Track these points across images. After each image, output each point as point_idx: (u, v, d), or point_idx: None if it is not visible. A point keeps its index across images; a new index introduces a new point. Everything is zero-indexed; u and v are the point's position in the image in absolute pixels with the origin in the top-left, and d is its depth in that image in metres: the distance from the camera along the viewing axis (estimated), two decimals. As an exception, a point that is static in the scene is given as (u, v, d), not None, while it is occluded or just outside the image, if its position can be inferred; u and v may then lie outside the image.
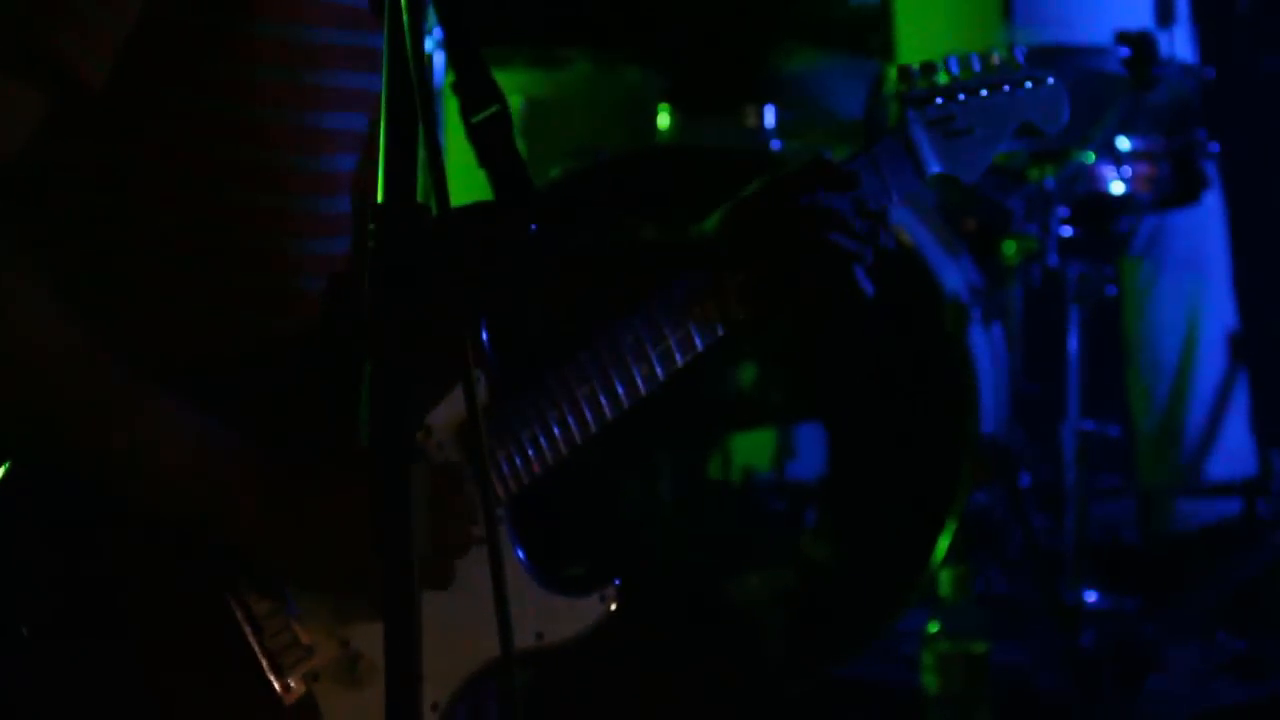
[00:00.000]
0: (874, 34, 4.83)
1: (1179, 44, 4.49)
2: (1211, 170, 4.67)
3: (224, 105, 2.03)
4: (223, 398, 2.06)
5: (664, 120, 4.61)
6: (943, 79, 2.41)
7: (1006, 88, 2.43)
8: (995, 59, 2.45)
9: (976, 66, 2.43)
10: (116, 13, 1.95)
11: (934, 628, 4.10)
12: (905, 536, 4.32)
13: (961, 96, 2.41)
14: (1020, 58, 2.47)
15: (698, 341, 2.27)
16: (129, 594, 2.04)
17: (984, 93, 2.42)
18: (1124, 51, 4.35)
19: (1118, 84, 4.35)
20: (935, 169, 2.39)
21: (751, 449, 4.56)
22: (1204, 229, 4.91)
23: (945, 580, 4.08)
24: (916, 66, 2.41)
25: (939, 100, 2.39)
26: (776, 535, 4.52)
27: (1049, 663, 4.40)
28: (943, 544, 4.23)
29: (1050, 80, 2.46)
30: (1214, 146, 4.65)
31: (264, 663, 2.06)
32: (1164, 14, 4.47)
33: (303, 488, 2.05)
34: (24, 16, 1.92)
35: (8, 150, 1.96)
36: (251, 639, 2.06)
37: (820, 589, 4.41)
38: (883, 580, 4.31)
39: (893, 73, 2.42)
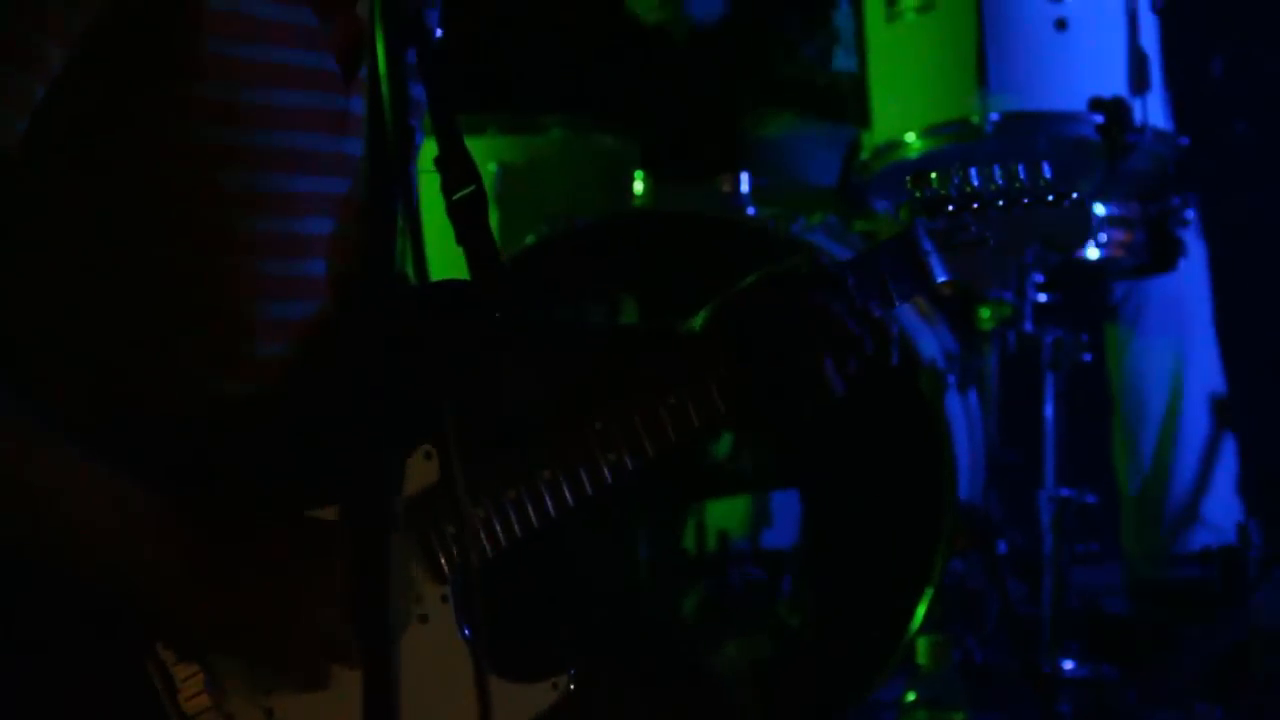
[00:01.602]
0: (850, 101, 4.84)
1: (1153, 110, 4.50)
2: (1187, 236, 4.68)
3: (177, 164, 2.01)
4: (156, 457, 2.03)
5: (639, 187, 4.60)
6: (959, 188, 2.37)
7: (1026, 201, 2.40)
8: (1019, 170, 2.40)
9: (998, 177, 2.39)
10: (35, 76, 1.93)
11: (911, 697, 4.07)
12: (882, 604, 4.29)
13: (976, 206, 2.37)
14: (1047, 171, 2.42)
15: (671, 434, 2.24)
16: (46, 652, 2.00)
17: (1000, 204, 2.38)
18: (1098, 118, 4.36)
19: (1092, 150, 4.35)
20: (943, 277, 2.35)
21: (727, 516, 4.54)
22: (1185, 294, 4.91)
23: (922, 649, 4.05)
24: (933, 173, 2.37)
25: (950, 209, 2.36)
26: (753, 603, 4.49)
27: (1027, 732, 4.38)
28: (920, 612, 4.20)
29: (1074, 196, 2.43)
30: (1189, 213, 4.65)
31: None
32: (1138, 81, 4.48)
33: (229, 555, 2.02)
34: None
35: None
36: (168, 705, 2.03)
37: (797, 657, 4.38)
38: (860, 649, 4.28)
39: (907, 180, 2.38)
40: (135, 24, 1.96)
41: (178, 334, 2.06)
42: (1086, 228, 2.44)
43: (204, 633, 2.03)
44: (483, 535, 2.16)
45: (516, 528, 2.17)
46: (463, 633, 2.15)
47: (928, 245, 2.34)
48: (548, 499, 2.17)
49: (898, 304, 2.31)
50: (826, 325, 2.24)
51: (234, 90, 2.01)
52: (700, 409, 2.24)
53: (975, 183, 2.37)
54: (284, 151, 2.06)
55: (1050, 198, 2.41)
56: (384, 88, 1.68)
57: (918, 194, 2.37)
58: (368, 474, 1.64)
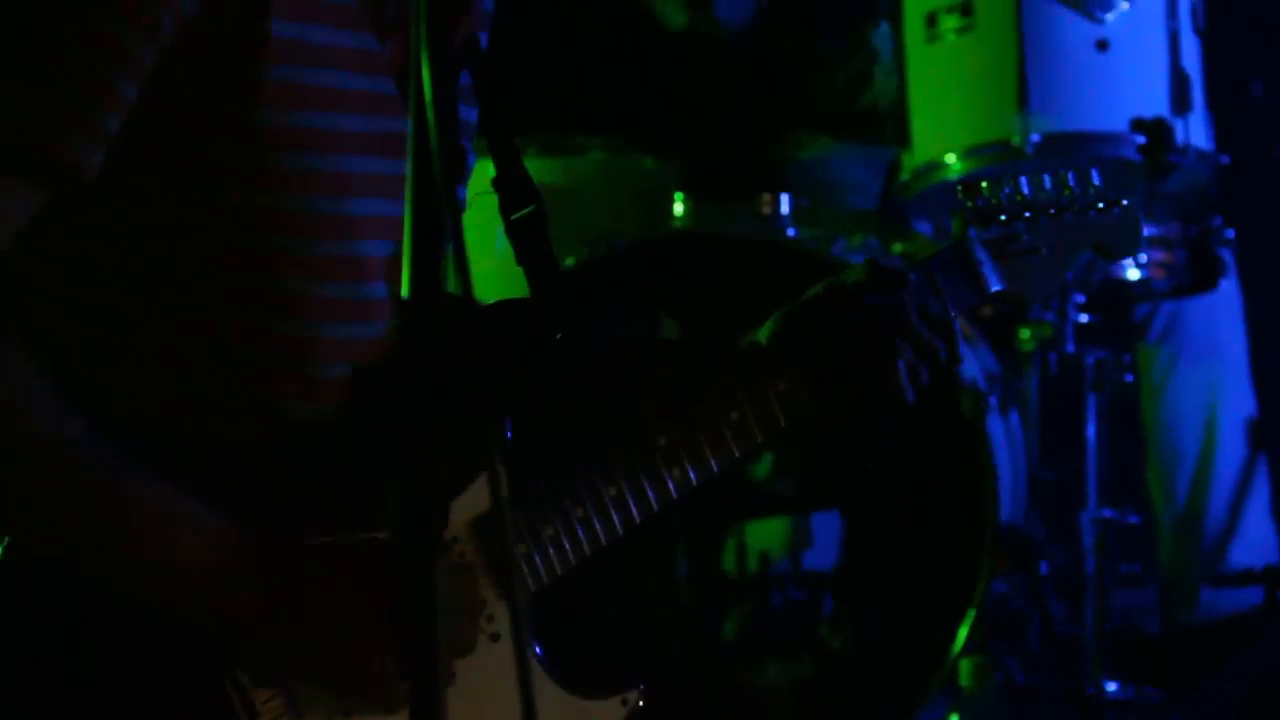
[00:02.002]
0: (889, 123, 4.84)
1: (1194, 131, 4.49)
2: (1228, 257, 4.67)
3: (239, 190, 2.02)
4: (231, 484, 2.05)
5: (679, 208, 4.61)
6: (1010, 197, 2.37)
7: (1077, 208, 2.39)
8: (1068, 178, 2.40)
9: (1048, 185, 2.39)
10: (110, 104, 1.95)
11: (954, 718, 4.06)
12: (924, 626, 4.28)
13: (1027, 215, 2.37)
14: (1096, 178, 2.42)
15: (735, 449, 2.24)
16: (125, 683, 2.01)
17: (1051, 212, 2.38)
18: (1139, 139, 4.36)
19: (1133, 171, 4.35)
20: (996, 287, 2.35)
21: (768, 538, 4.54)
22: (1222, 316, 4.89)
23: (965, 670, 4.05)
24: (984, 183, 2.36)
25: (1003, 218, 2.36)
26: (794, 625, 4.48)
27: (1070, 754, 4.36)
28: (962, 634, 4.20)
29: (1124, 203, 2.42)
30: (1230, 233, 4.64)
31: None
32: (1179, 101, 4.47)
33: (304, 582, 2.02)
34: (19, 114, 1.93)
35: (2, 242, 1.97)
36: None
37: (839, 679, 4.37)
38: (902, 670, 4.28)
39: (958, 189, 2.36)
40: (203, 54, 1.97)
41: (241, 358, 2.07)
42: (1137, 235, 2.42)
43: (281, 659, 2.04)
44: (553, 553, 2.16)
45: (586, 545, 2.17)
46: (535, 650, 2.15)
47: (981, 255, 2.34)
48: (615, 515, 2.18)
49: (953, 314, 2.31)
50: (899, 329, 2.24)
51: (296, 116, 2.02)
52: (763, 423, 2.24)
53: (1026, 191, 2.37)
54: (345, 175, 2.07)
55: (1100, 205, 2.40)
56: (429, 112, 1.69)
57: (970, 204, 2.36)
58: (413, 499, 1.65)
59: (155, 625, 2.01)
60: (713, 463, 2.22)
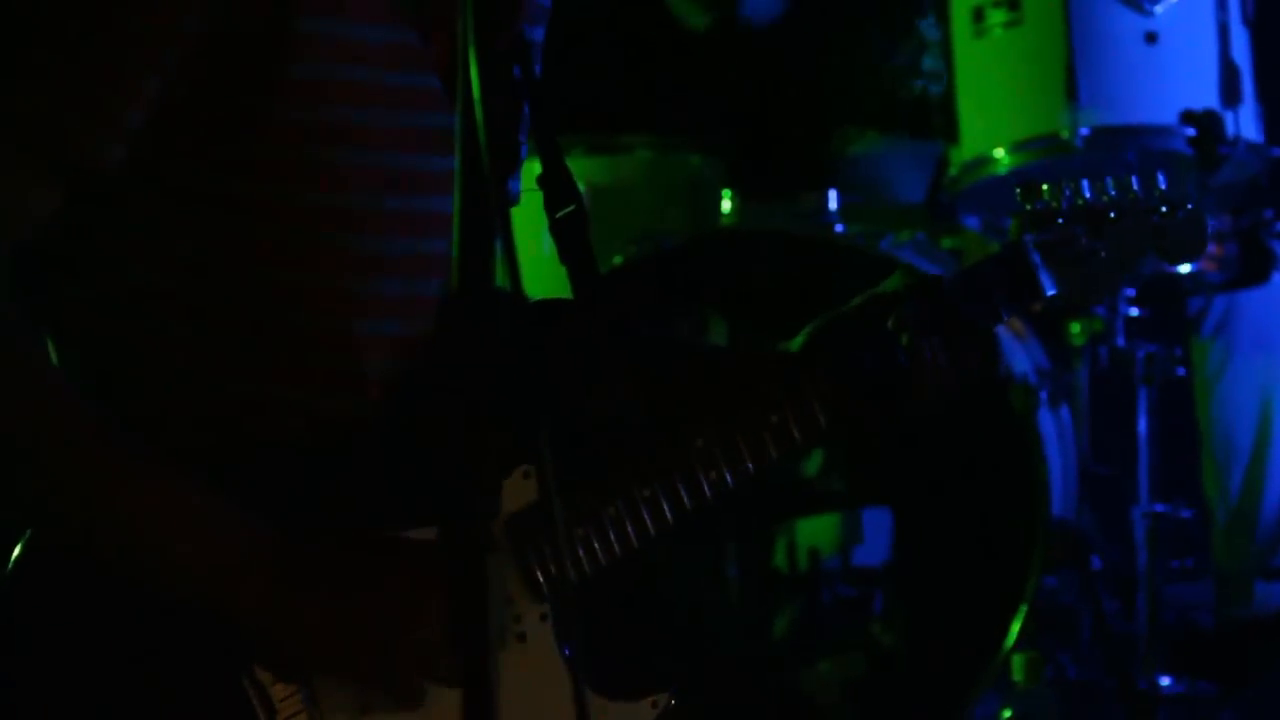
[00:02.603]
0: (937, 117, 4.83)
1: (1245, 123, 4.47)
2: (1280, 249, 4.65)
3: (277, 186, 2.03)
4: (265, 481, 2.06)
5: (726, 205, 4.61)
6: (1070, 199, 2.33)
7: (1139, 212, 2.34)
8: (1132, 181, 2.35)
9: (1110, 189, 2.34)
10: (132, 99, 1.97)
11: (1007, 714, 4.06)
12: (975, 621, 4.27)
13: (1086, 222, 2.33)
14: (1162, 182, 2.36)
15: (773, 452, 2.22)
16: (142, 677, 2.02)
17: (1112, 215, 2.33)
18: (1190, 131, 4.33)
19: (1184, 164, 4.33)
20: (1053, 291, 2.31)
21: (817, 534, 4.53)
22: (1275, 309, 4.86)
23: (1017, 665, 4.04)
24: (1045, 185, 2.32)
25: (1060, 221, 2.32)
26: (845, 622, 4.48)
27: (1123, 749, 4.35)
28: (1014, 629, 4.18)
29: (1189, 207, 2.36)
30: (1280, 225, 4.62)
31: None
32: (1230, 93, 4.45)
33: (325, 577, 2.03)
34: (37, 110, 1.95)
35: (23, 235, 1.99)
36: None
37: (891, 675, 4.37)
38: (954, 666, 4.27)
39: (1016, 192, 2.32)
40: (231, 51, 1.98)
41: (286, 355, 2.08)
42: (1202, 239, 2.36)
43: (300, 654, 2.04)
44: (583, 553, 2.16)
45: (616, 546, 2.17)
46: (562, 651, 2.15)
47: (1036, 258, 2.31)
48: (648, 516, 2.17)
49: (1005, 318, 2.29)
50: (930, 340, 2.23)
51: (328, 111, 2.02)
52: (803, 427, 2.23)
53: (1088, 195, 2.33)
54: (383, 170, 2.07)
55: (1164, 209, 2.35)
56: (478, 110, 1.69)
57: (1028, 206, 2.33)
58: (464, 495, 1.65)
59: (174, 621, 2.02)
60: (750, 465, 2.21)
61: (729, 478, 2.20)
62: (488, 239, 1.67)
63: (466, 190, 1.69)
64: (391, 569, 2.04)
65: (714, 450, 2.20)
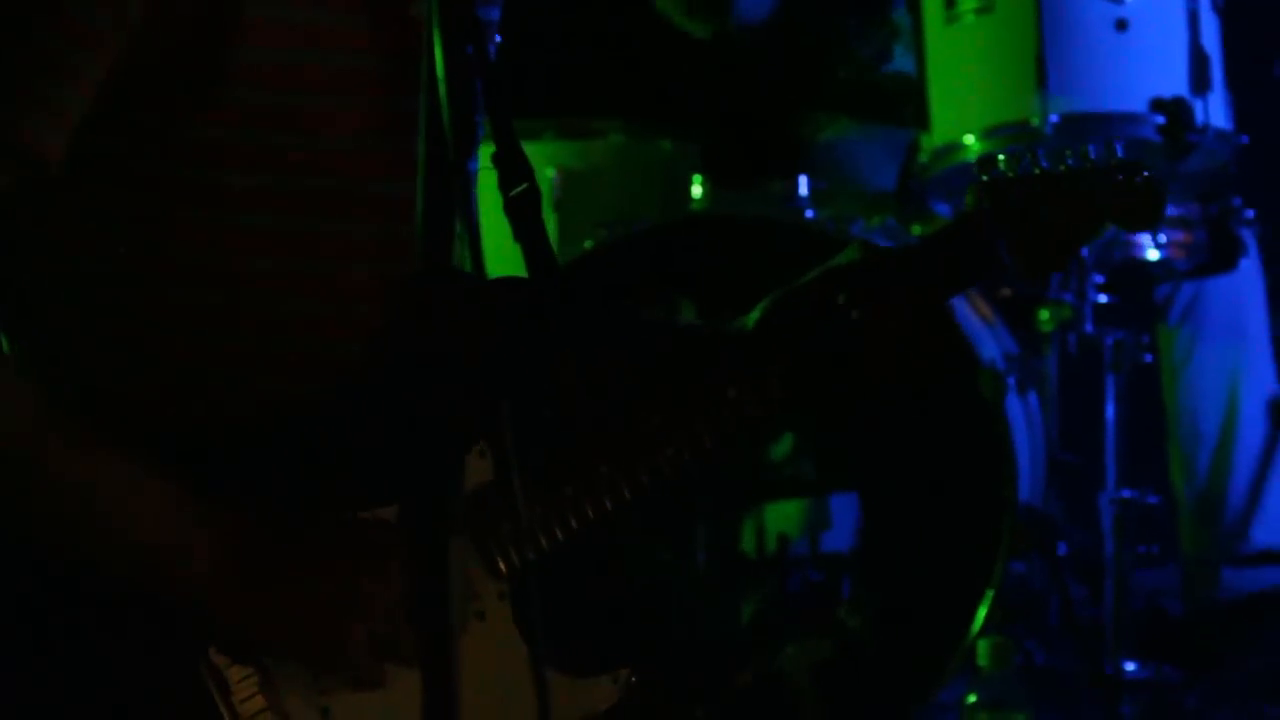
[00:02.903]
0: (907, 104, 4.83)
1: (1214, 111, 4.48)
2: (1248, 237, 4.66)
3: (220, 170, 2.02)
4: (208, 459, 2.05)
5: (697, 191, 4.61)
6: (1027, 169, 2.31)
7: (1096, 180, 2.33)
8: (1089, 150, 2.33)
9: (1069, 159, 2.33)
10: (74, 87, 1.96)
11: (972, 699, 4.06)
12: (943, 607, 4.29)
13: (1042, 189, 2.31)
14: (1119, 151, 2.35)
15: (730, 428, 2.22)
16: (98, 656, 2.01)
17: (1069, 186, 2.32)
18: (1159, 119, 4.35)
19: (1153, 151, 4.34)
20: (1009, 260, 2.29)
21: (785, 520, 4.54)
22: (1243, 296, 4.88)
23: (983, 651, 4.04)
24: (1001, 156, 2.31)
25: (1018, 190, 2.30)
26: (813, 606, 4.49)
27: (1089, 734, 4.37)
28: (981, 614, 4.20)
29: (1145, 174, 2.34)
30: (1250, 213, 4.63)
31: None
32: (1199, 81, 4.46)
33: (280, 556, 2.02)
34: None
35: None
36: (222, 707, 2.02)
37: (857, 660, 4.38)
38: (921, 651, 4.28)
39: (974, 148, 2.30)
40: (176, 36, 1.98)
41: (230, 335, 2.07)
42: (1160, 206, 2.34)
43: (256, 634, 2.03)
44: (540, 531, 2.15)
45: (574, 523, 2.17)
46: (522, 629, 2.15)
47: (994, 229, 2.29)
48: (605, 495, 2.17)
49: (964, 288, 2.29)
50: (879, 317, 2.23)
51: (276, 95, 2.02)
52: (759, 402, 2.23)
53: (1045, 164, 2.32)
54: (332, 154, 2.07)
55: (1121, 177, 2.34)
56: (442, 88, 1.69)
57: (984, 177, 2.31)
58: (426, 474, 1.65)
59: (127, 604, 2.01)
60: (707, 442, 2.21)
61: (686, 455, 2.20)
62: (448, 219, 1.68)
63: (427, 171, 1.69)
64: (345, 549, 2.03)
65: (670, 427, 2.20)
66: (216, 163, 2.02)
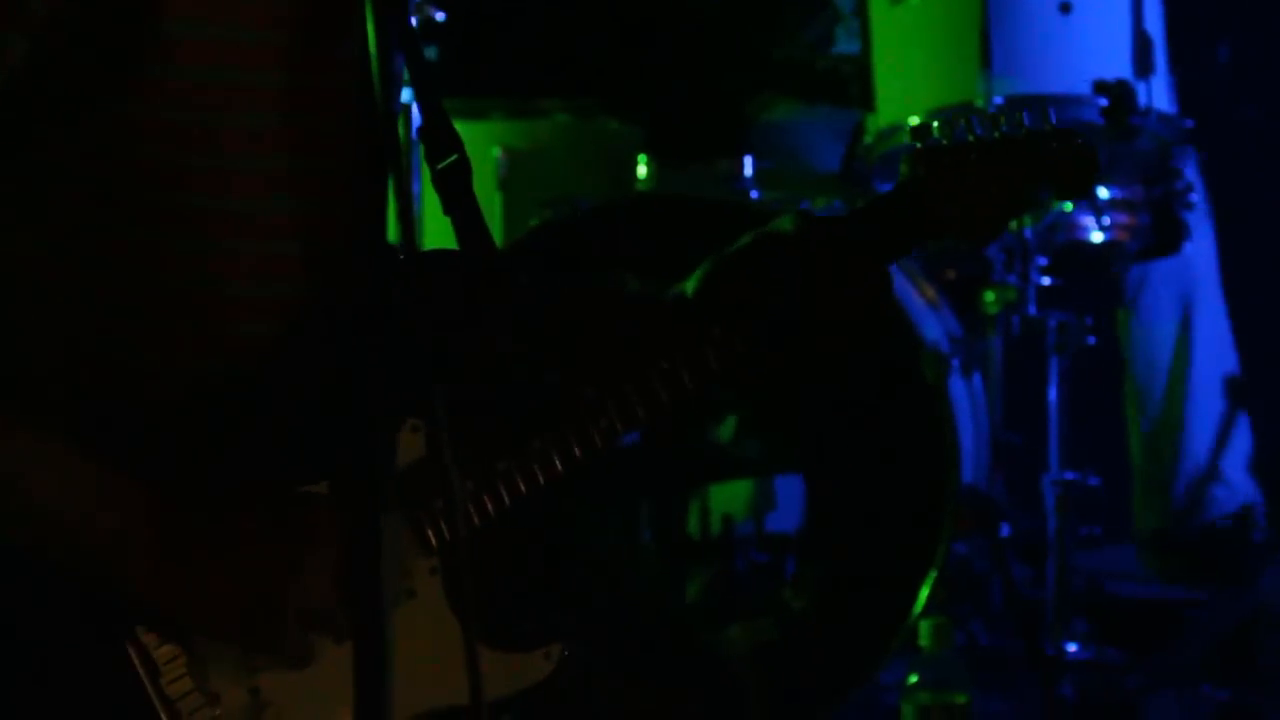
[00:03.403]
0: (853, 85, 4.84)
1: (1157, 94, 4.50)
2: (1192, 219, 4.68)
3: (140, 147, 2.00)
4: (137, 438, 2.03)
5: (642, 170, 4.61)
6: (961, 136, 2.29)
7: (1029, 146, 2.31)
8: (1023, 116, 2.31)
9: (1005, 126, 2.30)
10: None
11: (914, 679, 4.07)
12: (885, 587, 4.30)
13: (976, 155, 2.29)
14: (1053, 117, 2.33)
15: (664, 398, 2.21)
16: (21, 638, 1.99)
17: (1002, 152, 2.30)
18: (1102, 101, 4.36)
19: (1096, 133, 4.35)
20: (945, 226, 2.28)
21: (731, 501, 4.54)
22: (1188, 277, 4.91)
23: (925, 631, 4.05)
24: (935, 123, 2.29)
25: (953, 156, 2.28)
26: (757, 587, 4.49)
27: (1030, 715, 4.38)
28: (923, 595, 4.21)
29: (1078, 141, 2.32)
30: (1194, 195, 4.65)
31: (161, 712, 2.01)
32: (1142, 64, 4.48)
33: (204, 534, 2.00)
34: None
35: None
36: (150, 688, 2.01)
37: (800, 640, 4.39)
38: (863, 631, 4.29)
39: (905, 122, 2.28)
40: (95, 9, 1.96)
41: (153, 315, 2.05)
42: (1093, 172, 2.33)
43: (181, 616, 2.02)
44: (472, 507, 2.14)
45: (505, 497, 2.16)
46: (452, 605, 2.14)
47: (929, 197, 2.27)
48: (537, 468, 2.16)
49: (900, 256, 2.28)
50: (817, 277, 2.22)
51: (195, 72, 2.00)
52: (693, 372, 2.22)
53: (979, 131, 2.30)
54: (250, 130, 2.05)
55: (1055, 143, 2.31)
56: (374, 65, 1.68)
57: (919, 145, 2.30)
58: (358, 451, 1.64)
59: (52, 586, 1.99)
60: (640, 412, 2.20)
61: (619, 426, 2.19)
62: (381, 196, 1.67)
63: (362, 148, 1.68)
64: (273, 527, 2.02)
65: (603, 398, 2.20)
66: (134, 142, 2.00)
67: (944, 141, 2.30)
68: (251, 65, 2.03)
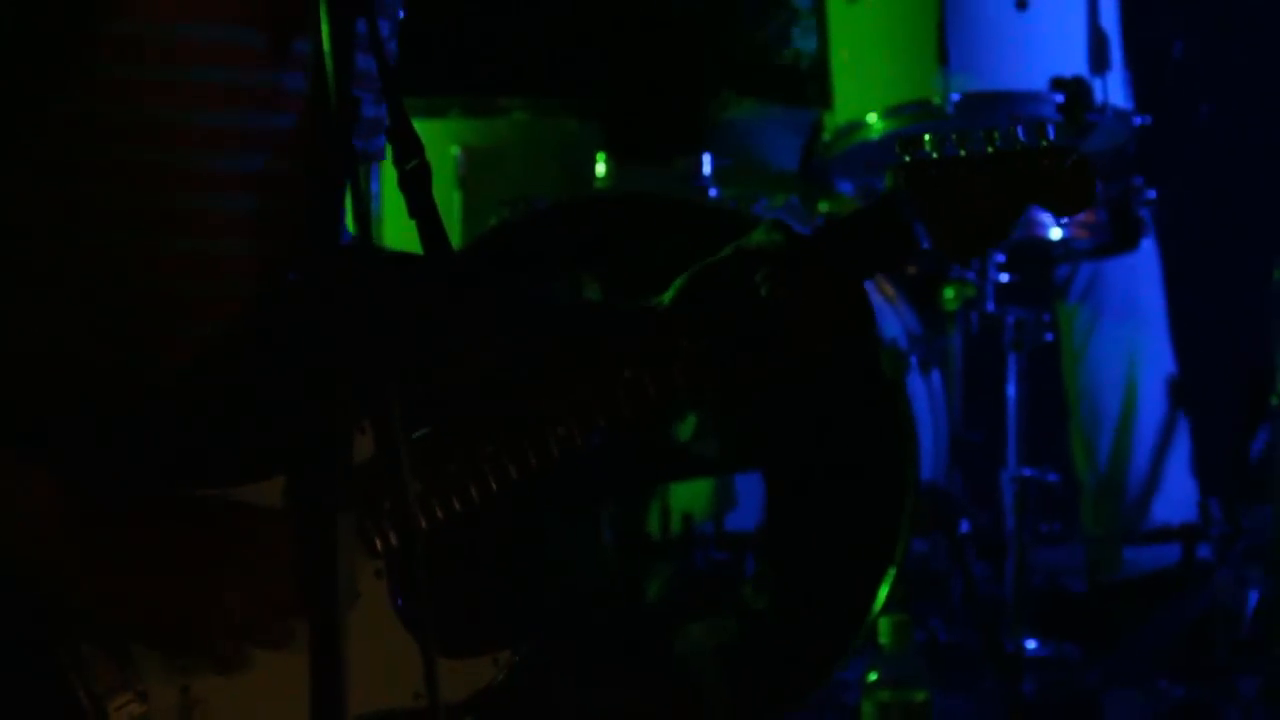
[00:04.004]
0: (810, 83, 4.84)
1: (1113, 90, 4.51)
2: (1148, 216, 4.69)
3: (89, 144, 1.99)
4: (72, 438, 2.01)
5: (601, 169, 4.61)
6: (951, 150, 2.24)
7: (1021, 163, 2.24)
8: (1017, 132, 2.25)
9: (998, 142, 2.24)
10: None
11: (874, 676, 4.07)
12: (845, 585, 4.30)
13: (966, 171, 2.23)
14: (1051, 133, 2.26)
15: (625, 409, 2.18)
16: None
17: (994, 168, 2.24)
18: (1058, 97, 4.37)
19: (1053, 130, 4.35)
20: (927, 244, 2.24)
21: (690, 499, 4.54)
22: (1141, 275, 4.92)
23: (885, 628, 4.06)
24: (926, 136, 2.23)
25: (941, 173, 2.22)
26: (717, 585, 4.49)
27: (990, 711, 4.38)
28: (882, 592, 4.21)
29: (1074, 158, 2.25)
30: (1150, 193, 4.66)
31: (88, 709, 1.99)
32: (1098, 60, 4.49)
33: (128, 543, 1.98)
34: None
35: None
36: (78, 688, 1.99)
37: (761, 638, 4.38)
38: (823, 629, 4.29)
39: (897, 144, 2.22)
40: (43, 8, 1.95)
41: (105, 314, 2.04)
42: (1090, 189, 2.27)
43: (111, 622, 1.99)
44: (419, 510, 2.12)
45: (455, 502, 2.14)
46: (397, 608, 2.12)
47: (913, 211, 2.23)
48: (490, 474, 2.15)
49: (883, 271, 2.25)
50: (800, 299, 2.20)
51: (149, 68, 1.99)
52: (658, 384, 2.19)
53: (974, 147, 2.24)
54: (202, 128, 2.03)
55: (1048, 160, 2.25)
56: (328, 63, 1.67)
57: (907, 158, 2.24)
58: (315, 452, 1.63)
59: None
60: (602, 422, 2.18)
61: (578, 436, 2.18)
62: (337, 196, 1.66)
63: (317, 148, 1.67)
64: (196, 532, 1.99)
65: (561, 407, 2.17)
66: (86, 137, 1.99)
67: (933, 155, 2.24)
68: (210, 63, 2.02)
